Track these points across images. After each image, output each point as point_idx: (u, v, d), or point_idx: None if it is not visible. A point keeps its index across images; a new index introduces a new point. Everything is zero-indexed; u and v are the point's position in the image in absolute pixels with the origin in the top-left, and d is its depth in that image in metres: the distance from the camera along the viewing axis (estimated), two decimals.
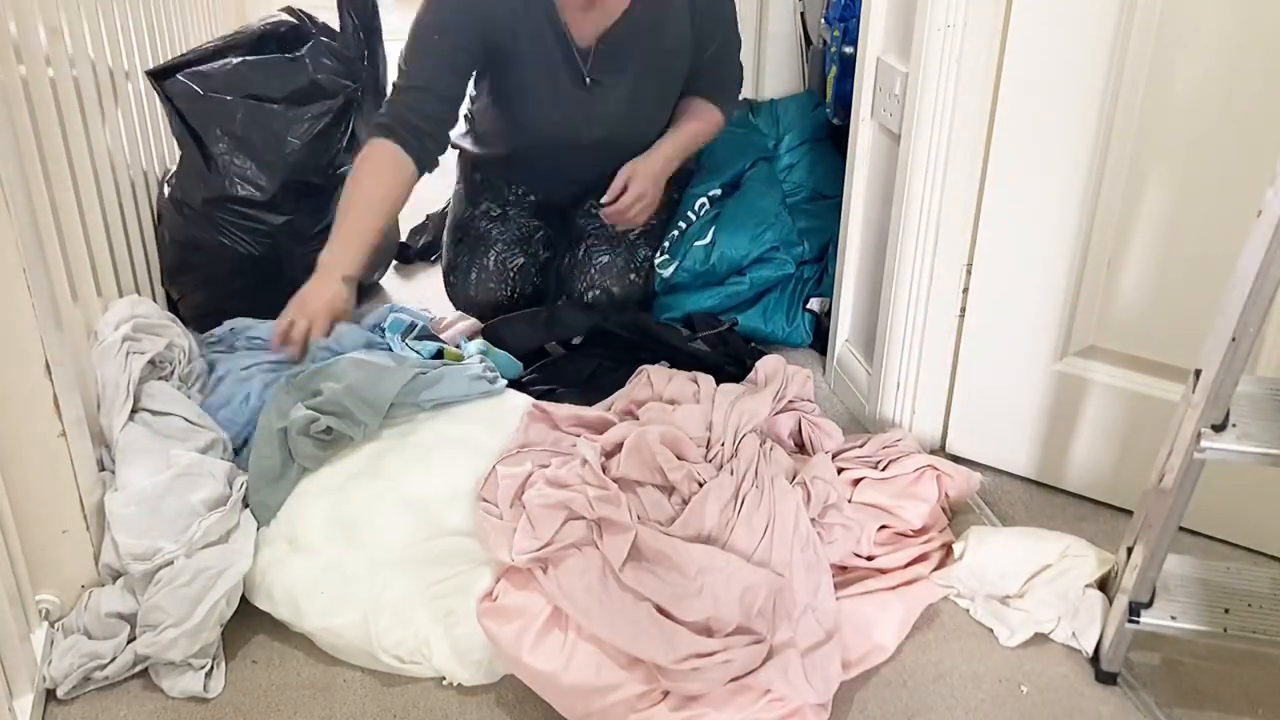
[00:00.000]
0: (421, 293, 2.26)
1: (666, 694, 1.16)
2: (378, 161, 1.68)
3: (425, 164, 1.73)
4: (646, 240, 2.01)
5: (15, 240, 1.12)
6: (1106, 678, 1.28)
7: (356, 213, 1.64)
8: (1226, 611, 1.23)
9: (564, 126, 1.87)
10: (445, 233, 2.08)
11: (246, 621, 1.35)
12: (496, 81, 1.87)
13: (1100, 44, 1.37)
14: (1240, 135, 1.32)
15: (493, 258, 1.96)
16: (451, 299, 2.03)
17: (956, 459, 1.70)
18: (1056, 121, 1.43)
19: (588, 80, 1.83)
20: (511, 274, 1.96)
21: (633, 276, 1.98)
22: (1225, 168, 1.34)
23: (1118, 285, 1.48)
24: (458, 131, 2.02)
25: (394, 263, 2.34)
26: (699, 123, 1.96)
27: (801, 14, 2.41)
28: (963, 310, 1.61)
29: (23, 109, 1.30)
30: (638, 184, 1.86)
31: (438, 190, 2.56)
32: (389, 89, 1.79)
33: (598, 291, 1.94)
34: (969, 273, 1.59)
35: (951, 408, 1.68)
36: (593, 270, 1.95)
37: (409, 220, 2.45)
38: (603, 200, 1.87)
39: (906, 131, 1.57)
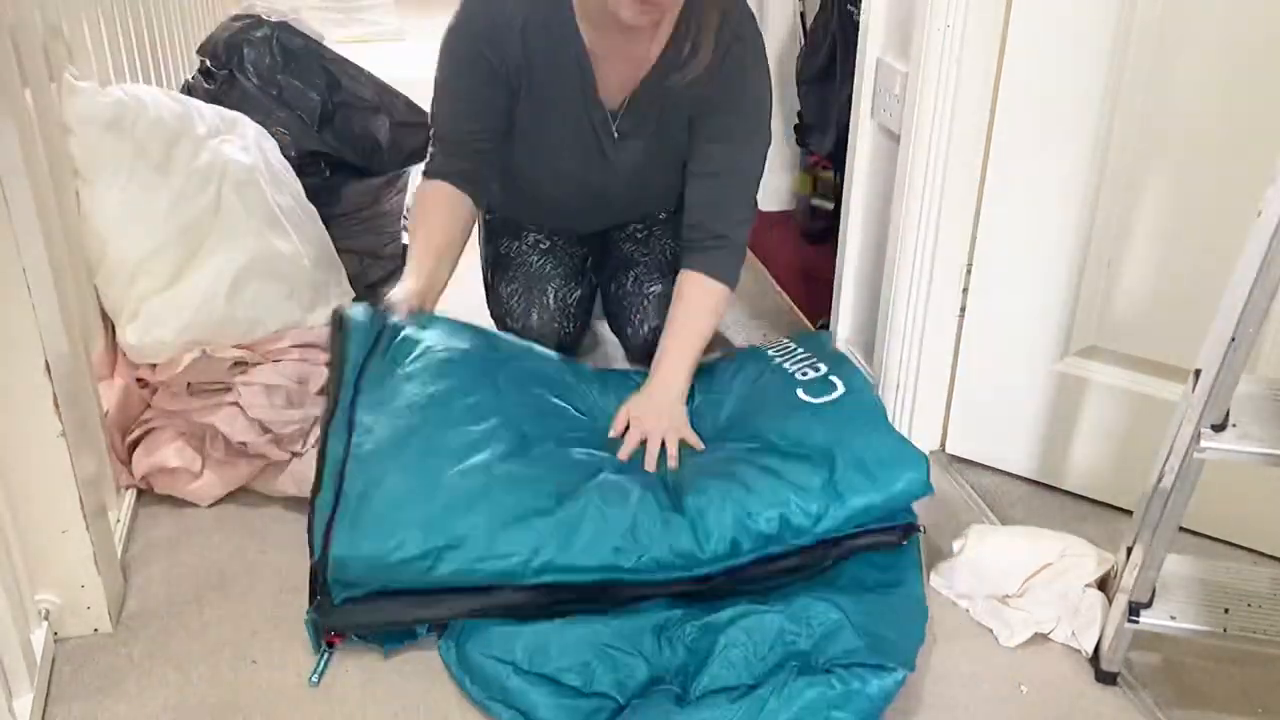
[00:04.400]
0: None
1: None
2: (432, 202, 1.66)
3: (480, 197, 1.70)
4: None
5: (15, 240, 1.12)
6: (1106, 677, 1.28)
7: (423, 235, 1.64)
8: (1226, 611, 1.23)
9: (584, 178, 1.73)
10: (488, 269, 1.92)
11: (246, 621, 1.35)
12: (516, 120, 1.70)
13: (1100, 44, 1.37)
14: (1240, 135, 1.32)
15: (552, 294, 1.81)
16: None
17: (956, 459, 1.70)
18: (1056, 122, 1.43)
19: (615, 134, 1.67)
20: (572, 308, 1.83)
21: None
22: (1225, 168, 1.34)
23: (1118, 285, 1.48)
24: None
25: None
26: (701, 319, 1.63)
27: (801, 14, 2.42)
28: (963, 310, 1.61)
29: (25, 108, 1.30)
30: (638, 426, 1.51)
31: None
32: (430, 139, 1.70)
33: (655, 324, 1.76)
34: (969, 273, 1.59)
35: (951, 408, 1.68)
36: (646, 303, 1.81)
37: None
38: (610, 437, 1.53)
39: (906, 131, 1.57)
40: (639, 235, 1.89)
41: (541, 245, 1.88)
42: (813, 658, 1.19)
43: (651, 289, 1.84)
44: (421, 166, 1.70)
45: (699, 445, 1.50)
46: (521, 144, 1.70)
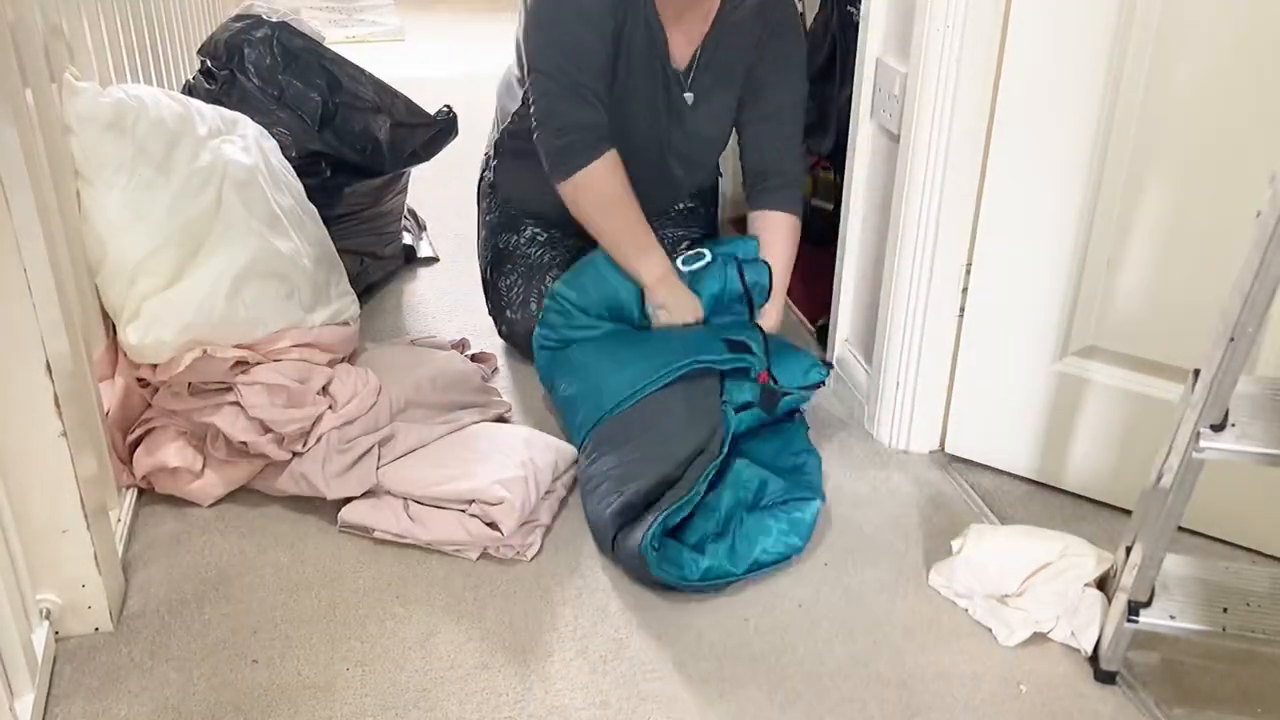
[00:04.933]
0: (426, 292, 2.26)
1: None
2: (603, 183, 1.67)
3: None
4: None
5: (15, 240, 1.12)
6: (1105, 677, 1.28)
7: (632, 222, 1.69)
8: (1225, 611, 1.23)
9: (650, 143, 1.78)
10: (485, 266, 1.97)
11: (247, 621, 1.35)
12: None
13: (1100, 44, 1.37)
14: (1240, 135, 1.32)
15: (550, 283, 1.84)
16: (507, 337, 1.95)
17: (956, 459, 1.70)
18: (1056, 121, 1.43)
19: (689, 99, 1.75)
20: None
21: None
22: (1225, 168, 1.34)
23: (1118, 285, 1.48)
24: (490, 160, 1.99)
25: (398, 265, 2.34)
26: (784, 254, 1.82)
27: (801, 14, 2.41)
28: (963, 310, 1.61)
29: (26, 108, 1.30)
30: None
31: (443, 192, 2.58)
32: (533, 95, 1.68)
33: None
34: (969, 273, 1.59)
35: (951, 408, 1.69)
36: None
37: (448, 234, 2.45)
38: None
39: (906, 131, 1.57)
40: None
41: (539, 238, 1.91)
42: (756, 502, 1.52)
43: None
44: (541, 136, 1.68)
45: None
46: (615, 105, 1.70)
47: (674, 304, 1.71)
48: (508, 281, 1.90)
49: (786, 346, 1.76)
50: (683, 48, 1.72)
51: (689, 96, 1.75)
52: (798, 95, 1.81)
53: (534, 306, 1.86)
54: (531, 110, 1.69)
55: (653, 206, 1.86)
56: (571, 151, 1.65)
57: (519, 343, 1.93)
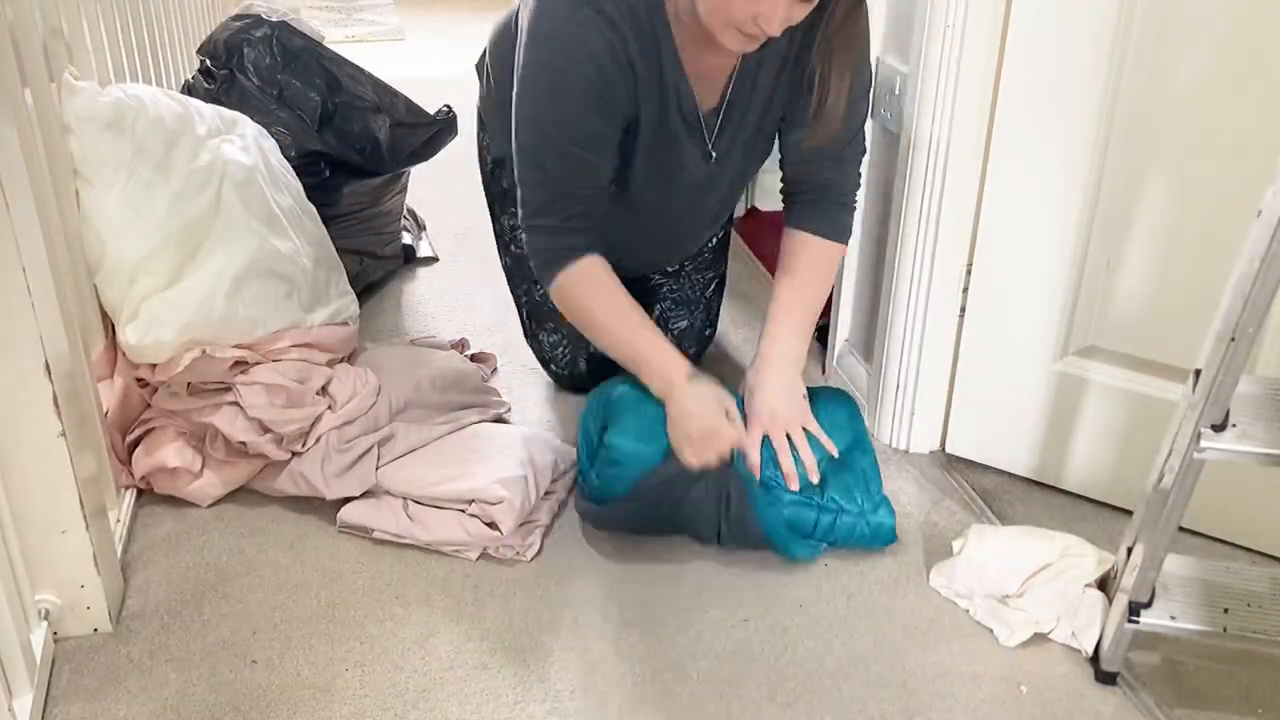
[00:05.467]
0: (426, 292, 2.26)
1: None
2: (592, 283, 1.46)
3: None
4: (718, 291, 1.88)
5: (15, 240, 1.12)
6: (1106, 678, 1.28)
7: (628, 328, 1.47)
8: (1226, 611, 1.23)
9: (670, 202, 1.57)
10: (524, 315, 1.83)
11: (246, 621, 1.35)
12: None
13: (1100, 44, 1.37)
14: (1240, 135, 1.32)
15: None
16: (558, 381, 1.86)
17: (956, 459, 1.70)
18: (1056, 121, 1.43)
19: (713, 154, 1.51)
20: None
21: (708, 333, 1.87)
22: (1225, 168, 1.34)
23: (1118, 285, 1.48)
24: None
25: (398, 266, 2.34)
26: (821, 286, 1.55)
27: None
28: (963, 310, 1.61)
29: (26, 109, 1.30)
30: (775, 427, 1.45)
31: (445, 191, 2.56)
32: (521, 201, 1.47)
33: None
34: (969, 273, 1.59)
35: (951, 408, 1.68)
36: (672, 337, 1.73)
37: (444, 224, 2.45)
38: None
39: (906, 131, 1.57)
40: (669, 270, 1.84)
41: None
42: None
43: (677, 324, 1.83)
44: (525, 227, 1.47)
45: (820, 433, 1.47)
46: (627, 178, 1.50)
47: (702, 429, 1.40)
48: (552, 339, 1.79)
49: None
50: (711, 96, 1.48)
51: (712, 153, 1.51)
52: (861, 110, 1.52)
53: (582, 366, 1.79)
54: (519, 209, 1.49)
55: (685, 253, 1.79)
56: (560, 236, 1.46)
57: (560, 386, 1.87)
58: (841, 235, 1.56)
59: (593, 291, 1.46)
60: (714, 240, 1.85)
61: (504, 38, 1.62)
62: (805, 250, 1.55)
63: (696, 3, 1.31)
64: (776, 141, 1.57)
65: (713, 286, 1.88)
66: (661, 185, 1.53)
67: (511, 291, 1.87)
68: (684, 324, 1.83)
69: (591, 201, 1.45)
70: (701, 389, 1.42)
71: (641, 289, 1.78)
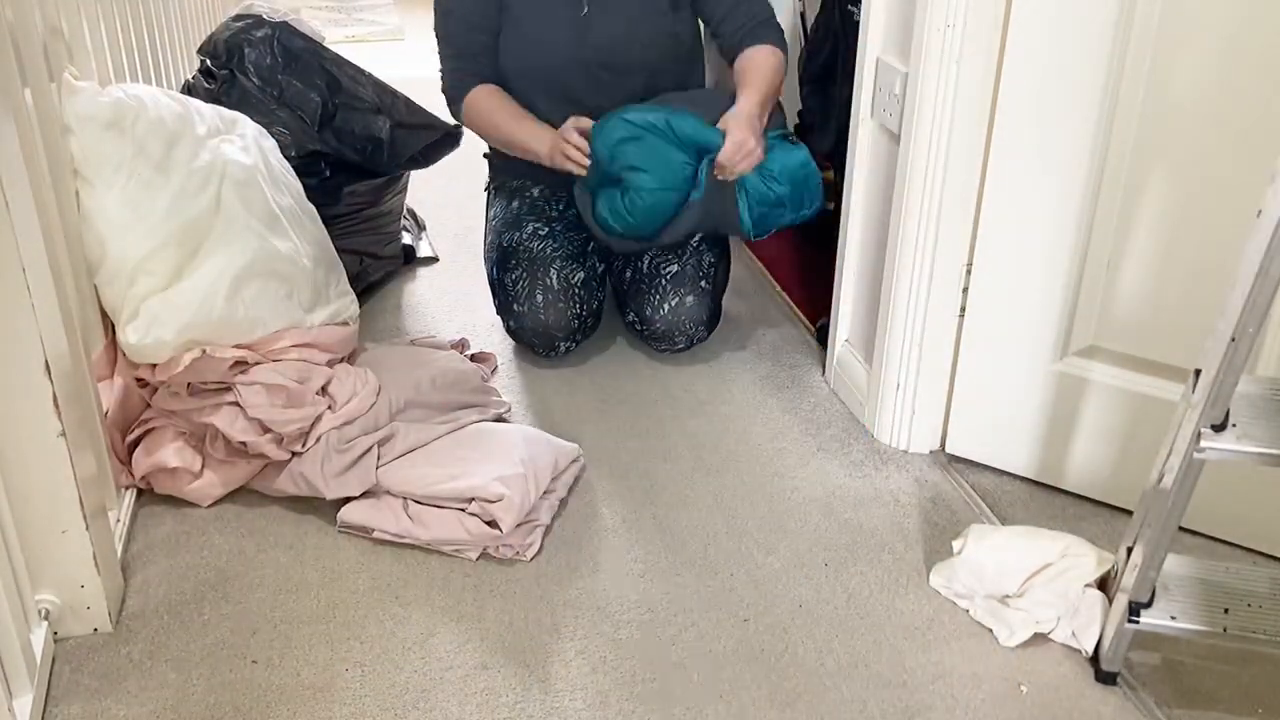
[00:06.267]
0: (426, 292, 2.26)
1: None
2: (487, 98, 1.93)
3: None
4: (709, 245, 1.95)
5: (15, 240, 1.12)
6: (1106, 678, 1.28)
7: (516, 120, 1.91)
8: (1226, 611, 1.23)
9: (562, 53, 1.90)
10: (491, 266, 1.99)
11: (246, 621, 1.35)
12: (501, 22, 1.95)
13: (1100, 44, 1.37)
14: (1240, 135, 1.32)
15: (555, 275, 1.88)
16: (515, 333, 1.95)
17: (956, 459, 1.70)
18: (1056, 121, 1.43)
19: (585, 7, 1.88)
20: (576, 289, 1.89)
21: (704, 284, 1.92)
22: (1225, 168, 1.34)
23: (1118, 285, 1.48)
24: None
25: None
26: (770, 69, 1.90)
27: (801, 14, 2.41)
28: (963, 310, 1.61)
29: (25, 108, 1.30)
30: (734, 132, 1.78)
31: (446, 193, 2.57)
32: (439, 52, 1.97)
33: (674, 303, 1.90)
34: (969, 273, 1.59)
35: (951, 408, 1.68)
36: (664, 283, 1.90)
37: (445, 225, 2.45)
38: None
39: (906, 131, 1.57)
40: None
41: (540, 232, 1.94)
42: None
43: (668, 269, 1.90)
44: (441, 87, 1.97)
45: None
46: (505, 40, 1.93)
47: (546, 144, 1.86)
48: (513, 276, 1.92)
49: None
50: None
51: (584, 7, 1.89)
52: None
53: (539, 298, 1.87)
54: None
55: (624, 92, 1.94)
56: (459, 77, 1.95)
57: (526, 338, 1.94)
58: (778, 43, 1.94)
59: (488, 103, 1.93)
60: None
61: None
62: (753, 59, 1.90)
63: None
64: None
65: (698, 237, 1.95)
66: (539, 29, 1.92)
67: (485, 250, 2.07)
68: (674, 269, 1.91)
69: (482, 49, 1.93)
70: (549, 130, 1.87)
71: None
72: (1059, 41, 1.39)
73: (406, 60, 4.38)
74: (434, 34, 1.96)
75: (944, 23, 1.46)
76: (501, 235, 1.97)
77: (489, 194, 2.13)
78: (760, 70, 1.88)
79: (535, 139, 1.87)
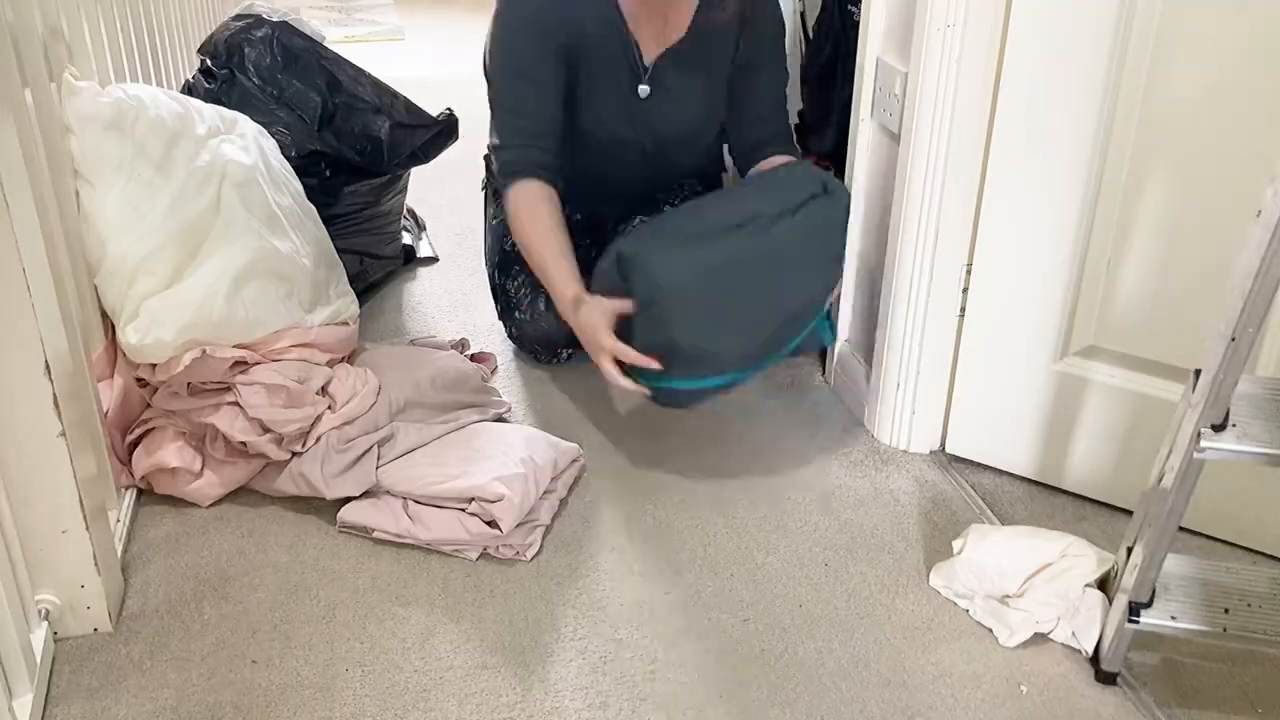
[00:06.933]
0: (426, 292, 2.26)
1: None
2: (529, 202, 1.71)
3: (560, 185, 1.75)
4: None
5: (15, 240, 1.12)
6: (1106, 678, 1.28)
7: (546, 250, 1.66)
8: (1226, 611, 1.23)
9: (617, 135, 1.84)
10: (492, 270, 1.99)
11: (246, 621, 1.35)
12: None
13: (1100, 44, 1.37)
14: (1240, 135, 1.32)
15: None
16: (517, 339, 1.95)
17: (956, 459, 1.70)
18: (1056, 121, 1.43)
19: (644, 91, 1.81)
20: None
21: None
22: (1225, 168, 1.34)
23: (1118, 285, 1.48)
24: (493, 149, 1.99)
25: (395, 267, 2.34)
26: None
27: (801, 14, 2.41)
28: (963, 310, 1.61)
29: (26, 108, 1.30)
30: None
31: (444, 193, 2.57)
32: (491, 135, 1.80)
33: None
34: (969, 273, 1.59)
35: (951, 408, 1.68)
36: None
37: (447, 229, 2.45)
38: None
39: (906, 131, 1.57)
40: (639, 226, 1.90)
41: None
42: None
43: None
44: (495, 163, 1.77)
45: None
46: (572, 118, 1.79)
47: (586, 337, 1.57)
48: (515, 283, 1.92)
49: None
50: (653, 50, 1.79)
51: (644, 89, 1.80)
52: (783, 77, 1.87)
53: (542, 306, 1.87)
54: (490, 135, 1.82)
55: (636, 202, 1.94)
56: (510, 161, 1.75)
57: (528, 345, 1.94)
58: (797, 154, 1.87)
59: (528, 208, 1.71)
60: (697, 188, 2.01)
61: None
62: (773, 160, 1.83)
63: None
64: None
65: None
66: (606, 115, 1.81)
67: (485, 251, 2.05)
68: None
69: (541, 126, 1.74)
70: (588, 308, 1.57)
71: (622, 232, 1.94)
72: (1059, 42, 1.39)
73: (406, 60, 4.38)
74: (488, 86, 1.81)
75: (944, 23, 1.46)
76: (503, 239, 1.96)
77: (486, 193, 2.12)
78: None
79: (562, 285, 1.63)
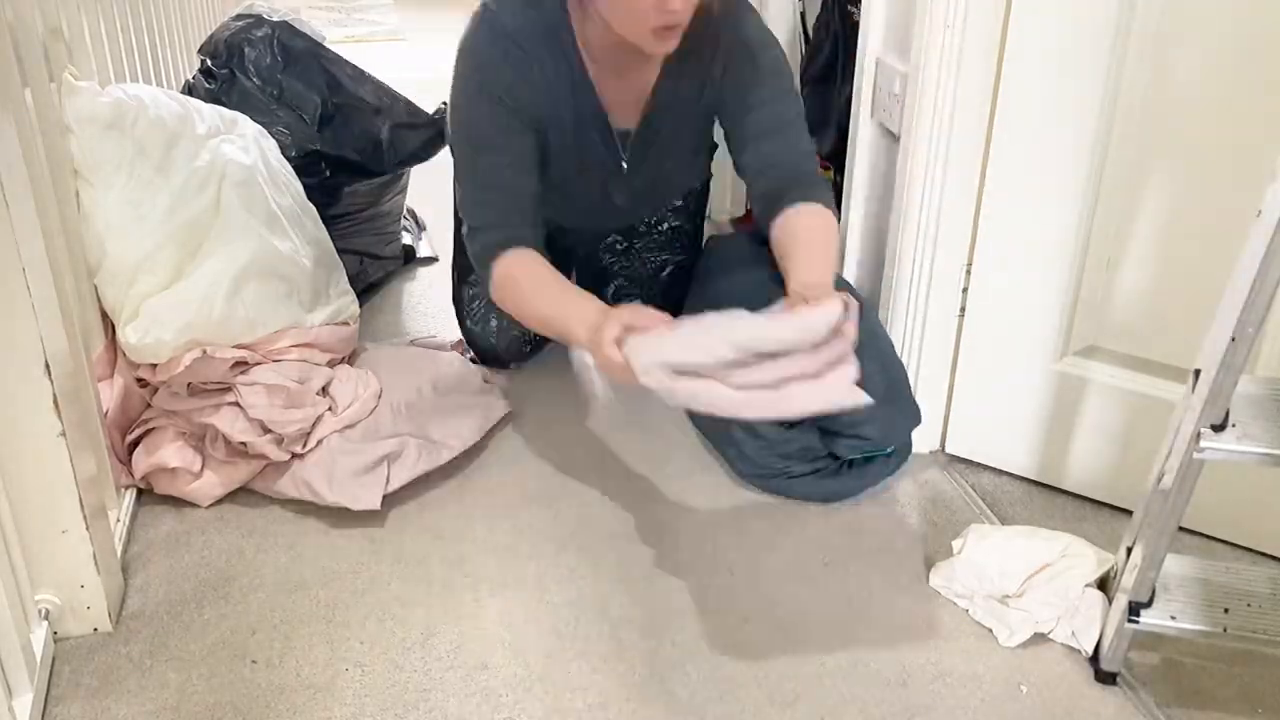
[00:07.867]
0: (426, 292, 2.26)
1: None
2: (523, 265, 1.50)
3: (541, 243, 1.54)
4: (675, 278, 1.91)
5: (15, 240, 1.12)
6: (1106, 677, 1.28)
7: (550, 292, 1.46)
8: (1226, 611, 1.23)
9: (595, 204, 1.75)
10: (455, 276, 1.95)
11: (246, 621, 1.35)
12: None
13: (1100, 43, 1.37)
14: (1240, 135, 1.32)
15: None
16: (471, 344, 1.95)
17: (956, 459, 1.70)
18: (1056, 121, 1.43)
19: (625, 165, 1.68)
20: None
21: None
22: (1225, 168, 1.34)
23: (1118, 285, 1.48)
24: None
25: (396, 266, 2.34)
26: (832, 233, 1.51)
27: (801, 14, 2.41)
28: (962, 310, 1.61)
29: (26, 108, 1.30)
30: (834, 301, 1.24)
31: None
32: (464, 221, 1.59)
33: None
34: (969, 273, 1.59)
35: (951, 408, 1.68)
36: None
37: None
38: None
39: (906, 131, 1.57)
40: (618, 247, 1.90)
41: None
42: None
43: (633, 302, 1.83)
44: (470, 246, 1.56)
45: None
46: (544, 181, 1.61)
47: (609, 367, 1.35)
48: (471, 293, 1.91)
49: None
50: (626, 113, 1.62)
51: (626, 161, 1.67)
52: (794, 113, 1.60)
53: (493, 324, 1.88)
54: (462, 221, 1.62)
55: (629, 225, 1.90)
56: (491, 238, 1.54)
57: (474, 351, 1.94)
58: (829, 203, 1.52)
59: (524, 270, 1.49)
60: (667, 226, 1.92)
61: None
62: (799, 217, 1.50)
63: (607, 20, 1.43)
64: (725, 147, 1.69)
65: (668, 270, 1.92)
66: (580, 183, 1.69)
67: (453, 259, 1.96)
68: (638, 302, 1.80)
69: (516, 202, 1.54)
70: (605, 335, 1.33)
71: (595, 269, 1.92)
72: (1059, 41, 1.39)
73: (406, 60, 4.38)
74: (454, 159, 1.61)
75: (944, 23, 1.46)
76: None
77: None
78: (820, 234, 1.50)
79: (578, 320, 1.39)
